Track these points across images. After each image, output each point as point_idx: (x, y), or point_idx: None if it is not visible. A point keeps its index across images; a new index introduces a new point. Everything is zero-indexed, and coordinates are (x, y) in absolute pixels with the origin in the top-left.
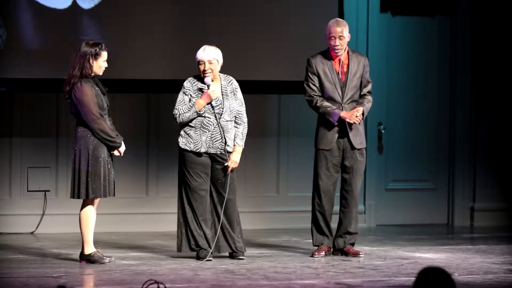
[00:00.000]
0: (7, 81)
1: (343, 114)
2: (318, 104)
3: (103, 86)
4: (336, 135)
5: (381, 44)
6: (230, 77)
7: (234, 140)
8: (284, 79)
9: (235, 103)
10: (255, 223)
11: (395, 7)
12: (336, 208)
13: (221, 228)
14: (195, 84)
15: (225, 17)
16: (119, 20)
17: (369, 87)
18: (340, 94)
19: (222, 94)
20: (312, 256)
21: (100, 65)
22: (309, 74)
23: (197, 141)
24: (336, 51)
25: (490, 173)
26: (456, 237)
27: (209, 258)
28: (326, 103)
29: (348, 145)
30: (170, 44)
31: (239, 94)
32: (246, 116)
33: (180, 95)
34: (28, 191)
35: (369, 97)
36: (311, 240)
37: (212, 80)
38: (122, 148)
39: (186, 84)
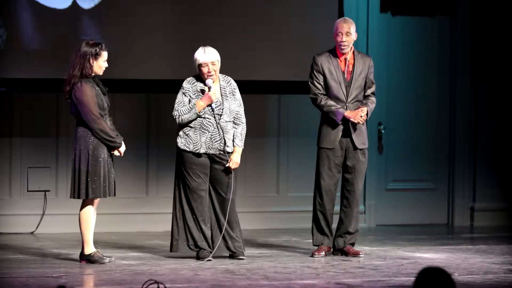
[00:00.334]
0: (7, 81)
1: (347, 113)
2: (322, 103)
3: (104, 86)
4: (340, 134)
5: (381, 44)
6: (229, 77)
7: (234, 141)
8: (284, 79)
9: (234, 104)
10: (255, 223)
11: (395, 7)
12: (336, 208)
13: (220, 228)
14: (194, 85)
15: (225, 17)
16: (119, 20)
17: (373, 88)
18: (345, 93)
19: (222, 95)
20: (312, 256)
21: (100, 65)
22: (314, 72)
23: (196, 142)
24: (342, 47)
25: (490, 173)
26: (456, 237)
27: (209, 258)
28: (330, 102)
29: (350, 145)
30: (170, 44)
31: (238, 95)
32: (244, 117)
33: (179, 96)
34: (28, 191)
35: (373, 98)
36: (311, 240)
37: (213, 81)
38: (122, 148)
39: (185, 84)
